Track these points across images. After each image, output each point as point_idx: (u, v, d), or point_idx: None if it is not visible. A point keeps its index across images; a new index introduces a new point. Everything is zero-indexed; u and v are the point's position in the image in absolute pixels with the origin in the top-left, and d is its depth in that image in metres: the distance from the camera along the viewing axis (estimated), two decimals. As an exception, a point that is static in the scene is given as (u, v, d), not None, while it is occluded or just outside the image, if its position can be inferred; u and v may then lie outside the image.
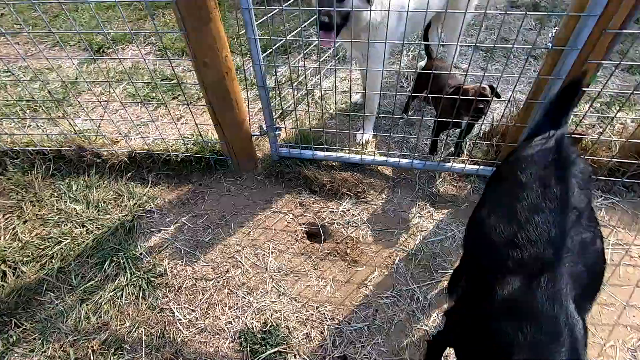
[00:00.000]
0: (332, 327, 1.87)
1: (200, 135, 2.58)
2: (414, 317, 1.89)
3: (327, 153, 2.52)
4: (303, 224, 2.33)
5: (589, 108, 2.13)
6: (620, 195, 2.34)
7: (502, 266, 1.11)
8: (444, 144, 2.69)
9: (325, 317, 1.91)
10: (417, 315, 1.89)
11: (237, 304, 1.97)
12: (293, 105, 2.61)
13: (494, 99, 2.10)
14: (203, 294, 2.02)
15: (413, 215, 2.34)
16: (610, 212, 2.27)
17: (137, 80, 3.56)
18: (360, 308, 1.94)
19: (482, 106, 2.04)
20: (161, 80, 3.59)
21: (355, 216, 2.34)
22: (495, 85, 2.10)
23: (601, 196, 2.33)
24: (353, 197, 2.44)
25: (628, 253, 2.09)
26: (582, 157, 1.31)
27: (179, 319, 1.92)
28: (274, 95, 2.99)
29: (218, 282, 2.06)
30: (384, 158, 2.46)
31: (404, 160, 2.43)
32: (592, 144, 2.32)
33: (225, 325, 1.90)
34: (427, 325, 1.85)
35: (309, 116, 2.86)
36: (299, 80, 3.31)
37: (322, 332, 1.86)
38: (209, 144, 2.64)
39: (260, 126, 2.43)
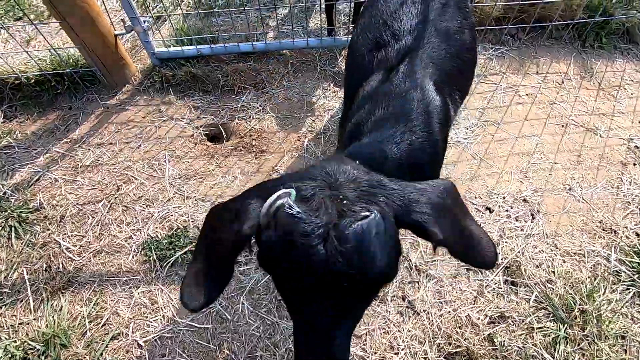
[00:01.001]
0: (246, 216, 1.75)
1: (53, 48, 2.09)
2: (328, 189, 1.83)
3: (214, 46, 2.21)
4: (201, 126, 2.08)
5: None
6: (508, 44, 2.42)
7: (368, 70, 1.05)
8: (341, 23, 2.51)
9: (238, 209, 1.77)
10: (332, 186, 1.84)
11: (135, 218, 1.75)
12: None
13: None
14: (93, 217, 1.75)
15: (318, 97, 2.20)
16: (500, 60, 2.34)
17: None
18: (273, 193, 1.83)
19: None
20: (-6, 1, 2.83)
21: (257, 108, 2.14)
22: None
23: (492, 47, 2.39)
24: (252, 89, 2.22)
25: (517, 93, 2.20)
26: None
27: (67, 248, 1.66)
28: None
29: (109, 201, 1.80)
30: (277, 42, 2.23)
31: (299, 41, 2.23)
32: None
33: (125, 241, 1.68)
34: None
35: (180, 6, 2.46)
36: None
37: (236, 224, 1.73)
38: (69, 57, 2.16)
39: (123, 20, 2.02)
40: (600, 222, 1.73)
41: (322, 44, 2.25)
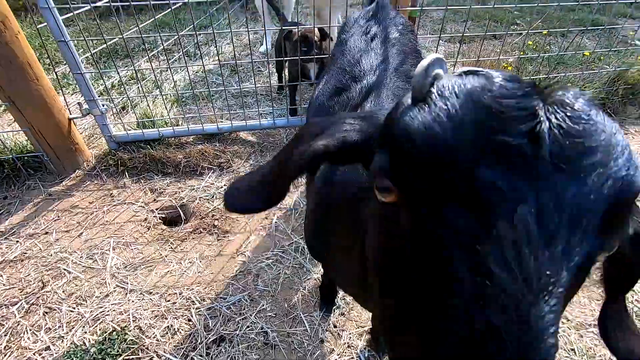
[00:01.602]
0: (202, 309, 1.44)
1: (-5, 132, 1.93)
2: (301, 270, 1.59)
3: (177, 128, 2.15)
4: (157, 209, 1.87)
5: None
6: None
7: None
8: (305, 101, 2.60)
9: (193, 301, 1.46)
10: (306, 265, 1.60)
11: (59, 322, 1.38)
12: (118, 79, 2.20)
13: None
14: (2, 324, 1.37)
15: (286, 174, 2.10)
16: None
17: None
18: (237, 278, 1.56)
19: (306, 49, 2.09)
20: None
21: (220, 188, 1.99)
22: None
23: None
24: (216, 169, 2.10)
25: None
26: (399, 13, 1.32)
27: (-45, 371, 1.24)
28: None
29: (28, 303, 1.44)
30: (243, 123, 2.21)
31: (264, 121, 2.22)
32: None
33: (39, 354, 1.29)
34: (317, 273, 1.57)
35: (141, 93, 2.46)
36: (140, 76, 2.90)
37: (189, 320, 1.40)
38: (16, 144, 2.00)
39: (80, 104, 1.94)
40: (604, 287, 1.56)
41: (289, 124, 2.25)
